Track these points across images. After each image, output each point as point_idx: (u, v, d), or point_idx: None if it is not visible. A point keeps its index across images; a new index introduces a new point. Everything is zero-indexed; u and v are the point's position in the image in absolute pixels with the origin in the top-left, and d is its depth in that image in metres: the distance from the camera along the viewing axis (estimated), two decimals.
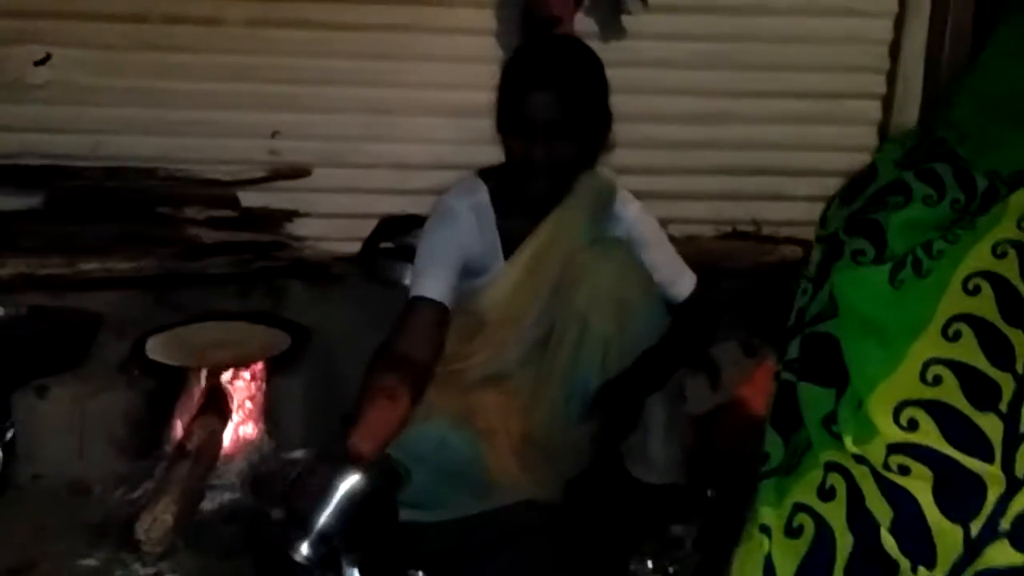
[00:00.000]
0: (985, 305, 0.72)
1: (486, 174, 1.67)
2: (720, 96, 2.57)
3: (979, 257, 0.73)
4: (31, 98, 2.45)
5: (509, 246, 1.64)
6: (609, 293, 1.54)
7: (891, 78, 2.55)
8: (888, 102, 2.56)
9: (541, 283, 1.61)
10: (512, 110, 1.54)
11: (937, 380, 0.72)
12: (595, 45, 2.40)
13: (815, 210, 2.52)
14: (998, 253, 0.73)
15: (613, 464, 1.66)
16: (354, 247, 2.39)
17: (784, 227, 2.55)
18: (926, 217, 0.78)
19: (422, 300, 1.51)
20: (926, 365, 0.72)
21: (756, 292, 2.09)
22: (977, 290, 0.72)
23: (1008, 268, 0.72)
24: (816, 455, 0.74)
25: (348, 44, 2.49)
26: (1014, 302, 0.71)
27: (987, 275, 0.73)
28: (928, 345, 0.73)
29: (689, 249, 2.37)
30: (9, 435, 1.51)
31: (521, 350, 1.63)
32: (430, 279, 1.53)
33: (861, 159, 2.50)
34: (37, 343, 1.65)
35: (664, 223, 2.52)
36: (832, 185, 2.42)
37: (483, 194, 1.64)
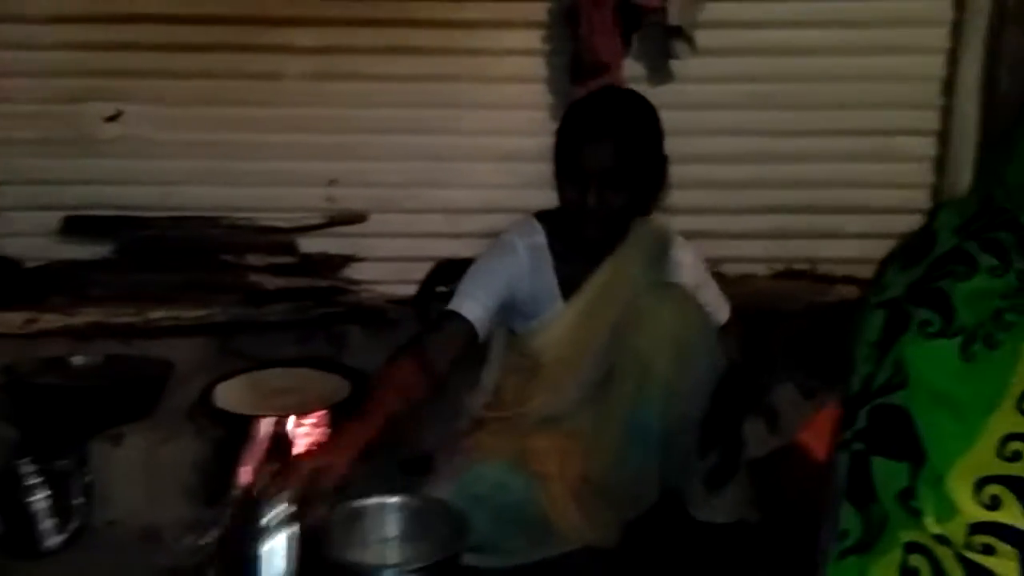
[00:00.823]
0: None
1: (543, 217, 1.72)
2: (770, 135, 2.58)
3: None
4: (102, 152, 2.56)
5: (567, 289, 1.67)
6: (671, 336, 1.56)
7: (945, 113, 2.52)
8: (944, 137, 2.53)
9: (598, 327, 1.64)
10: (567, 159, 1.59)
11: (1016, 456, 0.71)
12: (643, 89, 2.46)
13: (869, 247, 2.53)
14: None
15: (674, 507, 1.66)
16: (409, 290, 2.43)
17: (839, 265, 2.53)
18: (993, 287, 0.78)
19: (455, 315, 1.58)
20: (1004, 440, 0.72)
21: (813, 333, 2.07)
22: None
23: None
24: (895, 534, 0.73)
25: (402, 94, 2.56)
26: None
27: None
28: (1004, 419, 0.72)
29: (743, 289, 2.39)
30: (87, 481, 1.57)
31: (579, 393, 1.66)
32: (469, 300, 1.59)
33: (916, 196, 2.53)
34: (114, 393, 1.72)
35: (717, 262, 2.55)
36: (887, 223, 2.44)
37: (541, 236, 1.68)
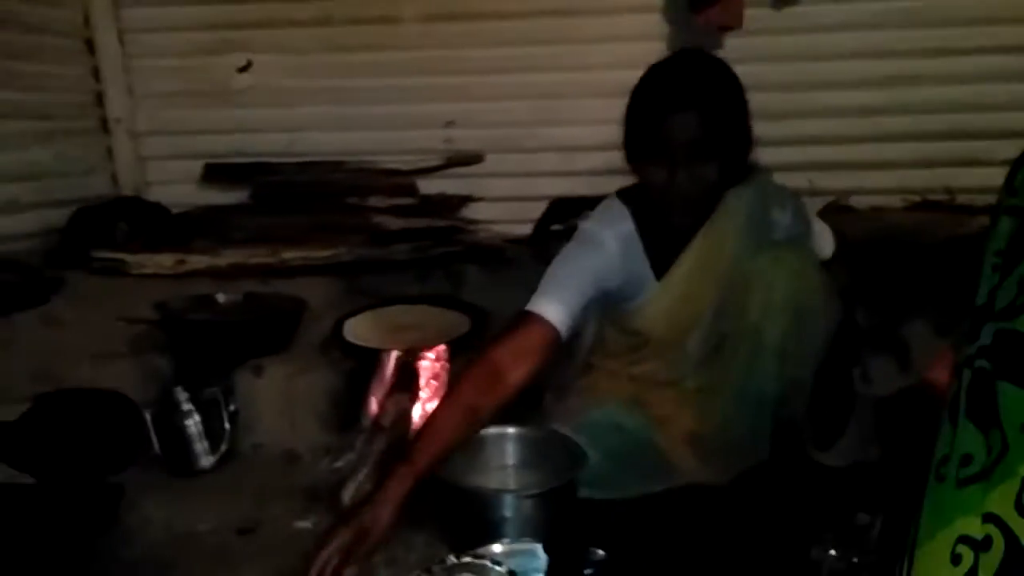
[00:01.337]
0: None
1: (626, 196, 1.56)
2: (903, 56, 2.42)
3: None
4: (235, 102, 2.71)
5: (660, 267, 1.56)
6: (785, 303, 1.48)
7: None
8: None
9: (699, 303, 1.55)
10: (648, 135, 1.41)
11: None
12: (767, 14, 2.35)
13: None
14: None
15: (795, 449, 1.64)
16: (525, 229, 2.47)
17: (980, 195, 2.37)
18: None
19: (534, 317, 1.40)
20: None
21: (950, 267, 1.96)
22: None
23: None
24: (1013, 465, 0.70)
25: (515, 32, 2.56)
26: None
27: None
28: None
29: (876, 223, 2.28)
30: (233, 408, 1.71)
31: (690, 363, 1.61)
32: (551, 301, 1.42)
33: None
34: (255, 328, 1.84)
35: (846, 193, 2.44)
36: None
37: (628, 222, 1.54)
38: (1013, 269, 0.78)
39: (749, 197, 1.53)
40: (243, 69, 2.69)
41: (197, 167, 2.71)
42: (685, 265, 1.53)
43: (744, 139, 1.47)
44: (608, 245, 1.50)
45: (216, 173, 2.70)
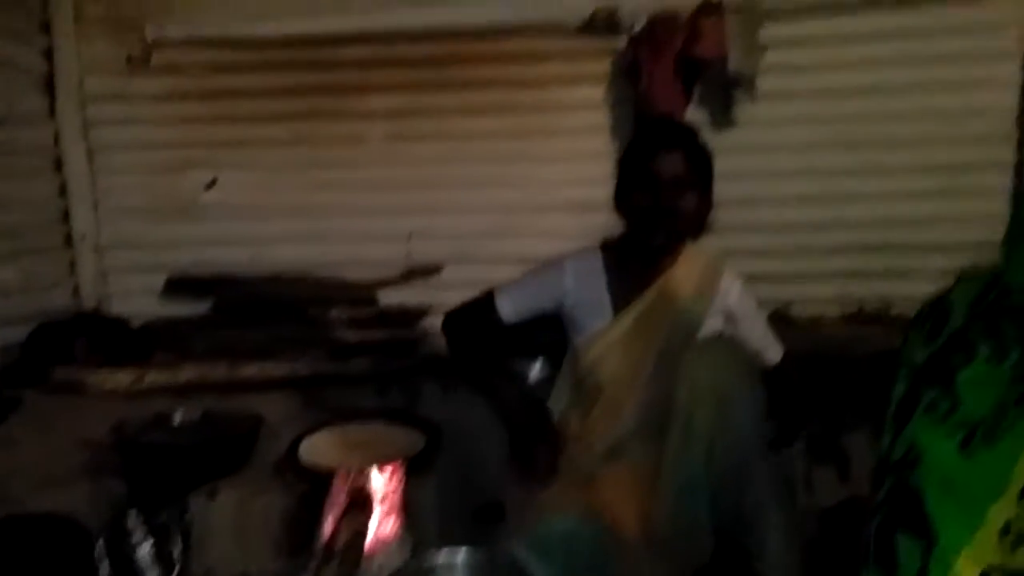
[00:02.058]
0: None
1: (603, 244, 1.89)
2: (838, 176, 2.57)
3: None
4: (201, 217, 2.79)
5: (619, 305, 1.81)
6: (710, 389, 1.60)
7: (1020, 146, 2.47)
8: (1019, 170, 2.47)
9: (648, 343, 1.76)
10: (640, 168, 1.75)
11: (1018, 544, 0.73)
12: (708, 135, 2.48)
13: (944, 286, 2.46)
14: None
15: (737, 560, 1.67)
16: None
17: (914, 304, 2.49)
18: (992, 376, 0.80)
19: (492, 301, 1.89)
20: (1006, 530, 0.74)
21: (882, 381, 2.05)
22: None
23: None
24: None
25: (475, 152, 2.69)
26: None
27: None
28: (1007, 509, 0.74)
29: (814, 334, 2.38)
30: (186, 533, 1.71)
31: (636, 418, 1.73)
32: (509, 296, 1.89)
33: (993, 231, 2.45)
34: (211, 450, 1.86)
35: (787, 304, 2.55)
36: (963, 260, 2.38)
37: (596, 258, 1.84)
38: (904, 427, 0.86)
39: (706, 255, 1.85)
40: (209, 186, 2.77)
41: (160, 280, 2.76)
42: (641, 304, 1.79)
43: (710, 193, 1.79)
44: (565, 271, 1.84)
45: (178, 287, 2.75)
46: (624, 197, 1.81)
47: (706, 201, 1.82)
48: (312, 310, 2.64)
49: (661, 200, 1.71)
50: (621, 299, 1.83)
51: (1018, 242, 0.88)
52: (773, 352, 1.87)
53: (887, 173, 2.55)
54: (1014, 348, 0.81)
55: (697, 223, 1.82)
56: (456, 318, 1.97)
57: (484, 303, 1.93)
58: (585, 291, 1.83)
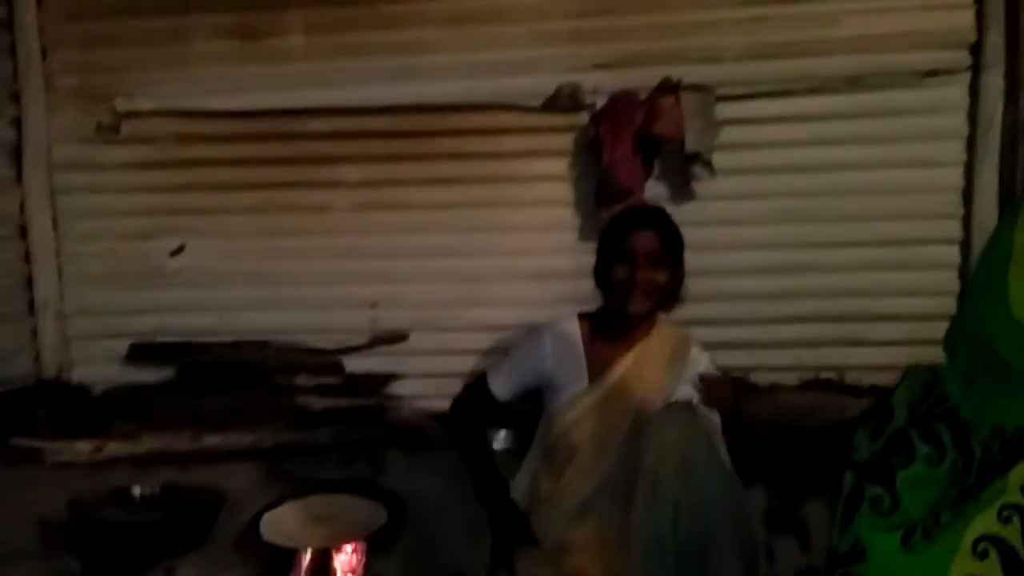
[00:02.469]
0: (991, 570, 0.78)
1: (583, 313, 2.08)
2: (795, 248, 2.65)
3: (986, 522, 0.80)
4: (166, 283, 2.78)
5: (595, 371, 1.97)
6: (676, 452, 1.66)
7: (967, 222, 2.57)
8: (966, 246, 2.58)
9: (623, 408, 1.89)
10: (618, 244, 1.96)
11: None
12: (667, 207, 2.58)
13: (896, 355, 2.54)
14: (1003, 517, 0.79)
15: None
16: (446, 403, 2.54)
17: (867, 372, 2.56)
18: (930, 476, 0.85)
19: (485, 384, 2.10)
20: None
21: (837, 451, 2.10)
22: (985, 554, 0.79)
23: (1012, 533, 0.78)
24: None
25: (440, 221, 2.73)
26: (1016, 566, 0.77)
27: (994, 539, 0.79)
28: None
29: (771, 402, 2.43)
30: None
31: (607, 475, 1.84)
32: (499, 375, 2.09)
33: (942, 303, 2.54)
34: (169, 528, 1.85)
35: (747, 371, 2.60)
36: (913, 330, 2.47)
37: (574, 325, 2.04)
38: (850, 522, 0.90)
39: (677, 330, 2.06)
40: (175, 253, 2.78)
41: (123, 346, 2.74)
42: (616, 370, 1.95)
43: (681, 268, 2.02)
44: (544, 339, 2.03)
45: (142, 353, 2.73)
46: (603, 271, 2.01)
47: (678, 275, 2.02)
48: (277, 377, 2.64)
49: (636, 273, 1.92)
50: (598, 365, 1.98)
51: (953, 354, 0.93)
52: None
53: (842, 246, 2.63)
54: (950, 451, 0.86)
55: (670, 294, 2.02)
56: (460, 406, 2.17)
57: (479, 387, 2.10)
58: (564, 357, 1.99)
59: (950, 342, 0.98)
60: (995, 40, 2.50)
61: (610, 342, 2.01)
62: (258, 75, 2.70)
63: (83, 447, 2.29)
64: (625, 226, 2.00)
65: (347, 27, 2.68)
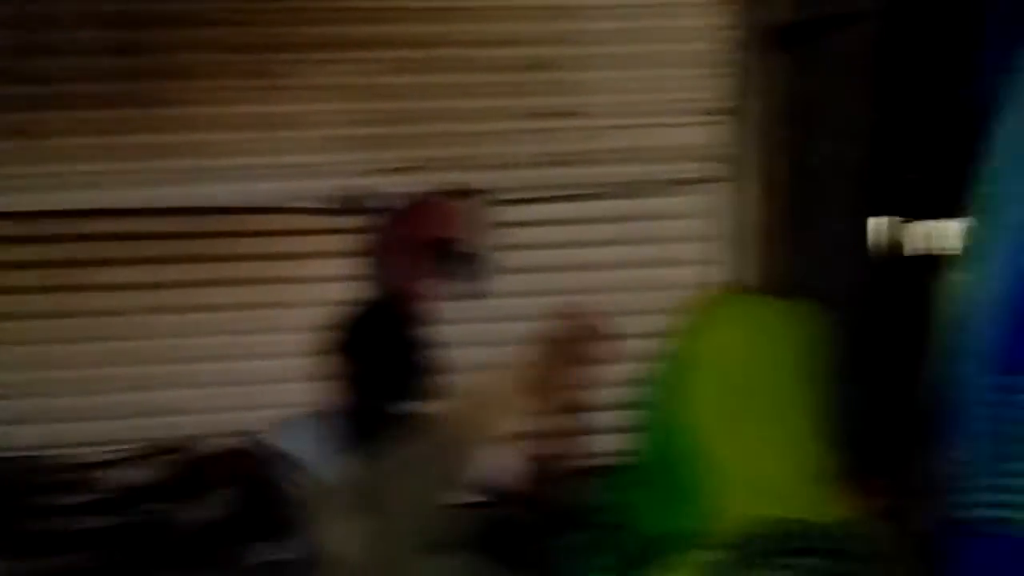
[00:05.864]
0: None
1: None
2: None
3: None
4: None
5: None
6: None
7: None
8: None
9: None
10: None
11: None
12: (452, 305, 2.62)
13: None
14: None
15: None
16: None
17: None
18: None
19: None
20: None
21: None
22: None
23: None
24: None
25: (215, 323, 2.71)
26: None
27: None
28: None
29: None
30: None
31: None
32: None
33: None
34: None
35: None
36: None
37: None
38: None
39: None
40: None
41: None
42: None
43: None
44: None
45: None
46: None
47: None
48: (36, 497, 2.48)
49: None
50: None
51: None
52: None
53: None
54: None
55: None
56: None
57: None
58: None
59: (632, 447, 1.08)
60: (749, 153, 2.77)
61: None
62: (44, 175, 2.62)
63: None
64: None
65: (137, 128, 2.66)
